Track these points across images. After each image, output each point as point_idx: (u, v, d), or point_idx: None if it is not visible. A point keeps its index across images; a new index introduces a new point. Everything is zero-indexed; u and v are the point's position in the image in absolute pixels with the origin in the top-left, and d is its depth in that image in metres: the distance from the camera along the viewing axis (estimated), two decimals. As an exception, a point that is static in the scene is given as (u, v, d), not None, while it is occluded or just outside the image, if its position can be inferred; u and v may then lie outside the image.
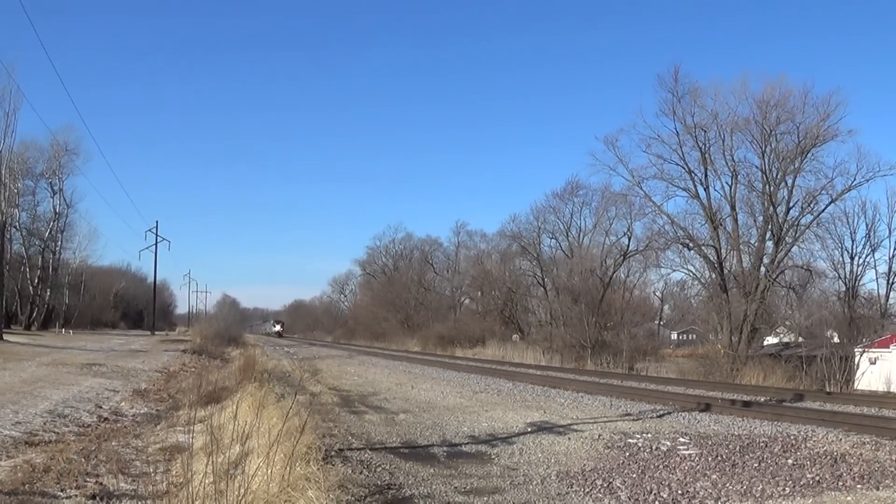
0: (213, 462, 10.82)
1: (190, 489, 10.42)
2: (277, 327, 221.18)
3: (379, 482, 13.86)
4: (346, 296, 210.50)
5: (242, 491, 10.34)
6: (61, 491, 12.35)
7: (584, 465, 15.95)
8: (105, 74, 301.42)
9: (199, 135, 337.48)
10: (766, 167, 66.18)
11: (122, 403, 25.52)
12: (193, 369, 41.27)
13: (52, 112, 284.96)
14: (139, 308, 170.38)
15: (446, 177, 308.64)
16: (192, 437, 14.39)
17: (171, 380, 35.20)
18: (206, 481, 10.50)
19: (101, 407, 24.05)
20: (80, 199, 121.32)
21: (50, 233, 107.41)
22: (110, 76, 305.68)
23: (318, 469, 12.06)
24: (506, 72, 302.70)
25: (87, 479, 13.22)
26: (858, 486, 14.12)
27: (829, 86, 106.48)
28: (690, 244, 69.15)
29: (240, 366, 33.97)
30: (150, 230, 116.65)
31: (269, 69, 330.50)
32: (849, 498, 13.04)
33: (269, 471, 10.99)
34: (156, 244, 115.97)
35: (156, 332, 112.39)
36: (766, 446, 18.61)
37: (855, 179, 65.27)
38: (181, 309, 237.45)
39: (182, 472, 12.52)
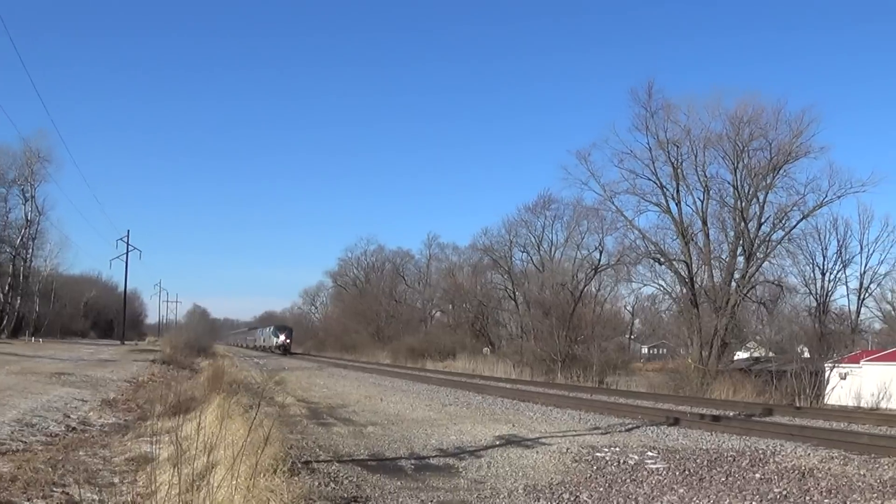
0: (178, 473, 10.76)
1: (155, 500, 10.36)
2: (281, 338, 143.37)
3: (345, 495, 13.78)
4: (316, 307, 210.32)
5: (208, 502, 10.28)
6: (28, 501, 12.23)
7: (552, 478, 15.92)
8: (77, 85, 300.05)
9: (171, 146, 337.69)
10: (738, 183, 66.47)
11: (91, 413, 25.34)
12: (162, 379, 41.05)
13: (25, 119, 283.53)
14: (109, 317, 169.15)
15: (418, 190, 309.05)
16: (159, 449, 14.31)
17: (139, 390, 35.00)
18: (172, 493, 10.44)
19: (69, 416, 23.88)
20: (52, 206, 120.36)
21: (21, 240, 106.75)
22: (83, 86, 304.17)
23: (284, 481, 12.01)
24: (479, 86, 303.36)
25: (54, 489, 13.11)
26: (826, 500, 14.12)
27: (803, 103, 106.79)
28: (661, 259, 69.32)
29: (208, 376, 33.85)
30: (121, 239, 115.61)
31: (240, 84, 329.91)
32: (815, 513, 13.03)
33: (234, 483, 10.93)
34: (126, 253, 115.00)
35: (125, 342, 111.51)
36: (734, 461, 18.62)
37: (827, 196, 65.66)
38: (151, 318, 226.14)
39: (148, 482, 12.44)
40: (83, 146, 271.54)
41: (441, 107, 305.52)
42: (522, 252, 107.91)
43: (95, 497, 12.78)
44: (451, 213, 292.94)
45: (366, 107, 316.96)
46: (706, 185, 67.83)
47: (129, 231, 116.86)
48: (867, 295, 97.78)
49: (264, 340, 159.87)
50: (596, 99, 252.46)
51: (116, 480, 14.12)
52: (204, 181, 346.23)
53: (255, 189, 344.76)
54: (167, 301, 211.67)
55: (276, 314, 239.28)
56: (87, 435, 20.79)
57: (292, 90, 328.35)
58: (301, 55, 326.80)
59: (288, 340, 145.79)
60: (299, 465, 15.56)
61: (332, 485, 14.52)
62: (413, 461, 18.01)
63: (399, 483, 15.16)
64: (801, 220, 67.10)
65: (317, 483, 14.36)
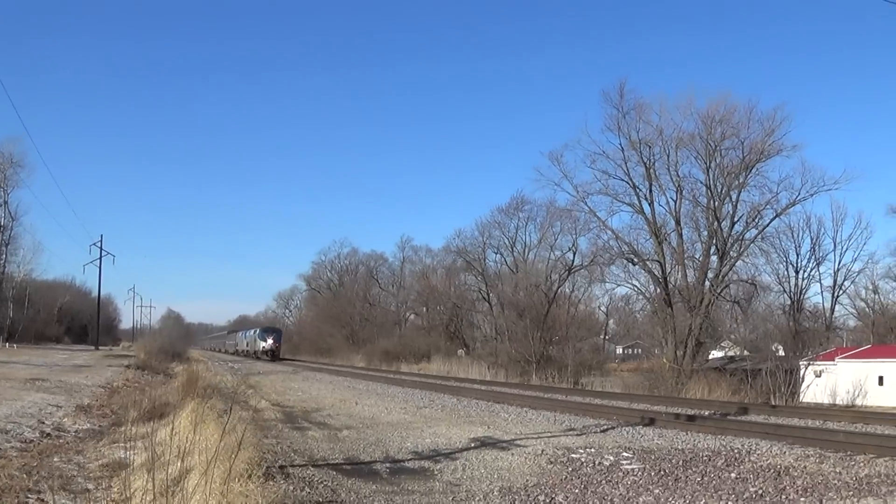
0: (153, 479, 10.69)
1: (130, 506, 10.30)
2: (269, 341, 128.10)
3: (320, 499, 13.73)
4: (290, 311, 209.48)
5: (182, 508, 10.22)
6: (2, 507, 12.17)
7: (527, 480, 15.89)
8: (50, 89, 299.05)
9: (143, 151, 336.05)
10: (711, 182, 66.57)
11: (65, 419, 25.22)
12: (137, 385, 40.93)
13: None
14: (83, 323, 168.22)
15: (392, 192, 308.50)
16: (133, 454, 14.22)
17: (114, 395, 34.85)
18: (147, 498, 10.38)
19: (43, 422, 23.74)
20: (25, 212, 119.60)
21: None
22: (55, 91, 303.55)
23: (258, 486, 11.94)
24: (452, 88, 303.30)
25: (29, 496, 13.04)
26: (802, 499, 14.12)
27: (775, 101, 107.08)
28: (635, 259, 69.39)
29: (182, 381, 33.73)
30: (94, 244, 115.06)
31: (211, 88, 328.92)
32: (792, 511, 13.03)
33: (208, 488, 10.86)
34: (100, 258, 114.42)
35: (100, 347, 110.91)
36: (710, 460, 18.63)
37: (799, 194, 65.85)
38: (126, 324, 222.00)
39: (123, 489, 12.37)
40: (56, 151, 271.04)
41: (414, 109, 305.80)
42: (496, 253, 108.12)
43: (71, 503, 12.71)
44: (425, 216, 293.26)
45: (339, 109, 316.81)
46: (679, 185, 67.90)
47: (102, 236, 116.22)
48: (841, 292, 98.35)
49: (248, 345, 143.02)
50: (569, 100, 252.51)
51: (91, 487, 14.05)
52: (176, 185, 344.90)
53: (228, 192, 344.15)
54: (141, 306, 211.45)
55: (249, 318, 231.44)
56: (61, 441, 20.68)
57: (264, 93, 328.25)
58: (275, 58, 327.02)
59: (277, 344, 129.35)
60: (274, 470, 15.46)
61: (308, 489, 14.45)
62: (388, 464, 17.96)
63: (374, 487, 15.11)
64: (774, 218, 67.36)
65: (292, 488, 14.27)
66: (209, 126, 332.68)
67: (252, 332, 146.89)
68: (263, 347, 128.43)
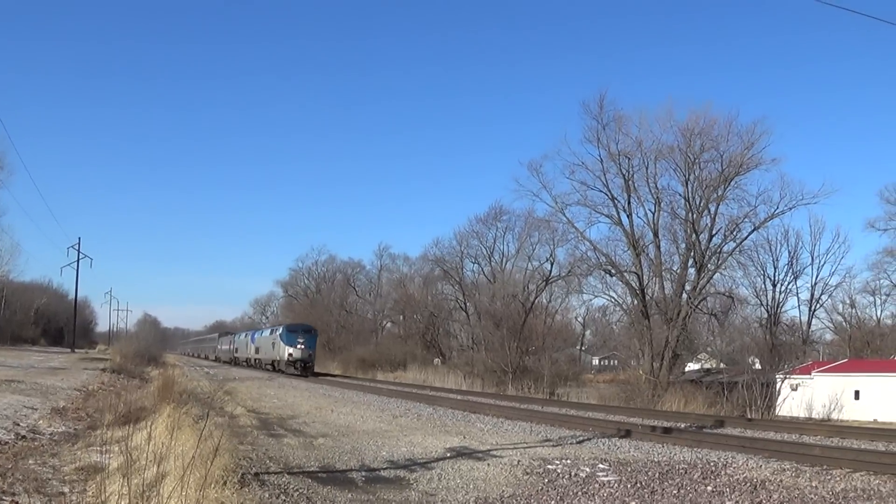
0: (128, 484, 10.63)
1: (105, 511, 10.24)
2: (299, 347, 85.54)
3: (295, 507, 13.64)
4: (267, 317, 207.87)
5: (158, 514, 10.17)
6: (-24, 510, 12.09)
7: (503, 491, 15.86)
8: (29, 91, 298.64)
9: (122, 155, 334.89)
10: (690, 195, 66.74)
11: (41, 421, 25.11)
12: (112, 388, 40.78)
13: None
14: (60, 325, 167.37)
15: (370, 200, 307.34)
16: (109, 458, 14.15)
17: (89, 398, 34.72)
18: (121, 503, 10.30)
19: (18, 424, 23.63)
20: (3, 213, 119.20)
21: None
22: (34, 92, 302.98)
23: (234, 493, 11.92)
24: (431, 97, 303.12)
25: (3, 498, 12.97)
26: (778, 514, 14.10)
27: (755, 115, 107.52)
28: (612, 270, 69.50)
29: (158, 386, 33.59)
30: (72, 247, 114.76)
31: (194, 95, 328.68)
32: (768, 526, 13.01)
33: (184, 494, 10.80)
34: (77, 261, 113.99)
35: (76, 350, 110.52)
36: (686, 473, 18.62)
37: (778, 207, 66.15)
38: (102, 327, 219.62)
39: (98, 493, 12.30)
40: (35, 153, 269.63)
41: (393, 117, 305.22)
42: (474, 263, 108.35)
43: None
44: (403, 224, 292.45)
45: (318, 116, 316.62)
46: (657, 197, 68.06)
47: (80, 239, 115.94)
48: (818, 306, 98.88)
49: (258, 351, 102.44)
50: (548, 111, 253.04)
51: (66, 490, 13.99)
52: (154, 190, 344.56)
53: (206, 198, 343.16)
54: (118, 309, 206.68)
55: (226, 323, 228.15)
56: (36, 444, 20.59)
57: (244, 99, 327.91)
58: (254, 64, 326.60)
59: (311, 352, 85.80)
60: (249, 477, 15.40)
61: (283, 497, 14.37)
62: (364, 473, 17.89)
63: (350, 495, 15.05)
64: (753, 231, 67.61)
65: (267, 495, 14.20)
66: (188, 132, 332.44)
67: (268, 332, 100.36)
68: (290, 356, 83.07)
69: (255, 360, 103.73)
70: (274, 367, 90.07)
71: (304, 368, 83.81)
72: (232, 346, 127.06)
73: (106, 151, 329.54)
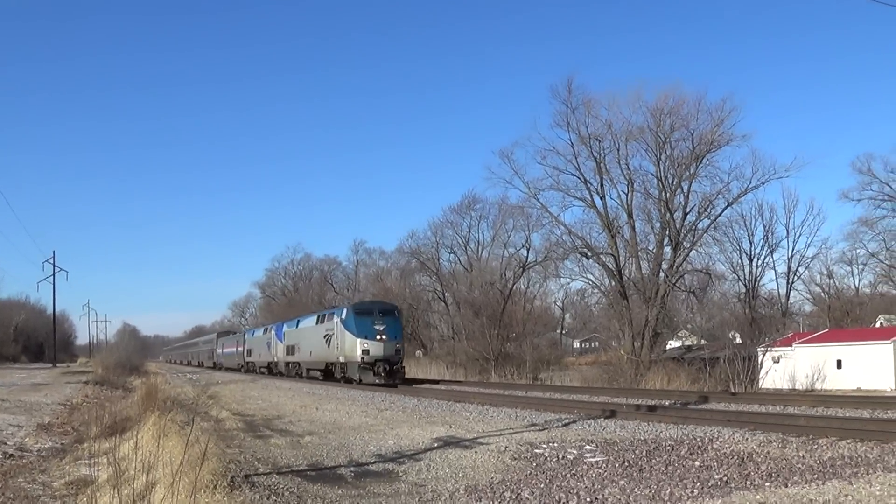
0: (118, 495, 10.63)
1: (98, 523, 10.24)
2: (378, 339, 55.31)
3: (286, 506, 13.64)
4: (246, 319, 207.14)
5: (150, 523, 10.19)
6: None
7: (492, 477, 15.86)
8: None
9: (93, 168, 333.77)
10: (662, 174, 67.08)
11: (27, 438, 25.03)
12: (96, 401, 40.68)
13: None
14: (40, 340, 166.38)
15: (343, 196, 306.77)
16: (97, 471, 14.15)
17: (74, 412, 34.63)
18: (114, 514, 10.31)
19: (5, 443, 23.55)
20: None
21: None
22: (2, 108, 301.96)
23: (224, 496, 11.93)
24: (400, 88, 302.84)
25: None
26: (767, 484, 14.15)
27: (724, 92, 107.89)
28: (589, 253, 69.75)
29: (142, 395, 33.52)
30: (47, 261, 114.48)
31: (159, 101, 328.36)
32: (758, 496, 13.05)
33: (175, 500, 10.81)
34: (53, 275, 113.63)
35: (57, 365, 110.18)
36: (673, 449, 18.69)
37: (751, 182, 66.83)
38: (82, 339, 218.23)
39: (89, 506, 12.31)
40: (4, 168, 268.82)
41: (362, 111, 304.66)
42: (450, 253, 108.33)
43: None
44: (378, 218, 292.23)
45: (288, 114, 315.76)
46: (630, 178, 68.37)
47: (54, 252, 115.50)
48: (796, 278, 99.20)
49: (292, 352, 75.09)
50: (518, 98, 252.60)
51: (57, 505, 13.96)
52: (126, 199, 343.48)
53: (178, 204, 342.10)
54: (96, 321, 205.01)
55: (205, 328, 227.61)
56: (24, 461, 20.53)
57: (213, 104, 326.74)
58: (221, 68, 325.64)
59: (398, 344, 57.53)
60: (239, 480, 15.37)
61: (273, 497, 14.34)
62: (352, 468, 17.87)
63: (340, 491, 15.03)
64: (726, 207, 68.23)
65: (257, 496, 14.17)
66: (157, 139, 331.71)
67: (312, 320, 70.10)
68: (365, 354, 55.19)
69: (289, 364, 75.73)
70: (327, 373, 63.10)
71: (389, 373, 54.21)
72: (240, 349, 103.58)
73: (75, 164, 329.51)
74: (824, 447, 18.11)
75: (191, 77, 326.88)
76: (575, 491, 14.15)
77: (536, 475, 15.98)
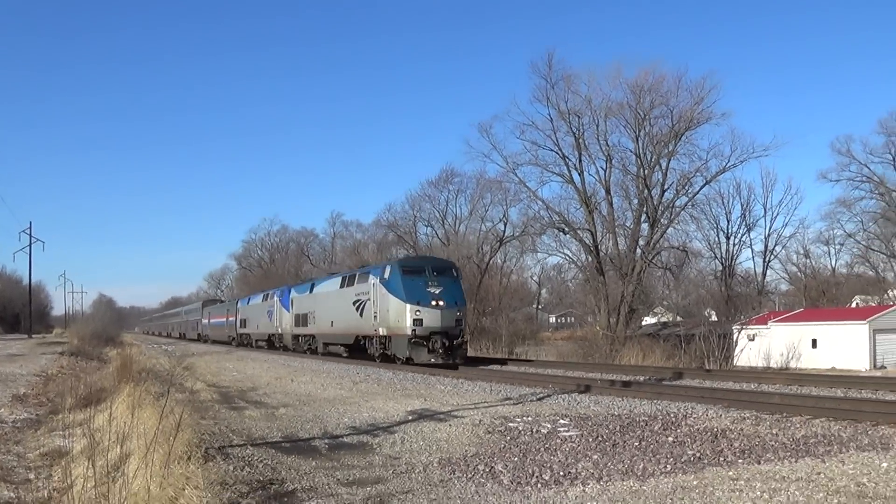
0: (93, 466, 10.60)
1: (72, 494, 10.21)
2: (433, 306, 42.66)
3: (261, 478, 13.62)
4: (222, 290, 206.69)
5: (124, 493, 10.14)
6: (-57, 502, 12.02)
7: (466, 450, 15.89)
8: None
9: (71, 139, 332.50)
10: (641, 151, 67.35)
11: (2, 409, 24.87)
12: (72, 372, 40.52)
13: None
14: (16, 311, 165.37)
15: (321, 168, 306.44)
16: (72, 442, 14.13)
17: (49, 383, 34.48)
18: (88, 486, 10.29)
19: (-21, 414, 23.53)
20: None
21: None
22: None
23: (198, 468, 11.91)
24: (380, 62, 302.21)
25: (-30, 490, 12.89)
26: (740, 460, 14.22)
27: (704, 70, 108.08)
28: (566, 228, 69.98)
29: (117, 366, 33.44)
30: (23, 231, 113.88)
31: (137, 75, 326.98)
32: (730, 473, 13.11)
33: (149, 472, 10.80)
34: (30, 245, 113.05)
35: (33, 335, 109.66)
36: (647, 425, 18.75)
37: (729, 161, 67.28)
38: (58, 310, 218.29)
39: (64, 477, 12.28)
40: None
41: (341, 83, 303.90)
42: (427, 226, 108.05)
43: (12, 494, 12.57)
44: (355, 191, 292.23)
45: (266, 87, 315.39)
46: (608, 154, 68.53)
47: (31, 223, 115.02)
48: (772, 257, 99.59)
49: (305, 322, 62.46)
50: (498, 72, 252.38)
51: (32, 476, 13.91)
52: (104, 171, 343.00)
53: (155, 174, 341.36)
54: (73, 292, 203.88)
55: (181, 299, 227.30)
56: None
57: (189, 76, 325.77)
58: (197, 41, 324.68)
59: (459, 312, 44.23)
60: (213, 451, 15.40)
61: (248, 469, 14.35)
62: (327, 441, 17.87)
63: (314, 463, 15.03)
64: (704, 185, 68.54)
65: (232, 468, 14.19)
66: (134, 111, 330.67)
67: (336, 282, 57.37)
68: (417, 325, 42.68)
69: (299, 337, 64.25)
70: (356, 348, 51.48)
71: (448, 350, 42.41)
72: (232, 319, 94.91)
73: (52, 137, 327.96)
74: (798, 425, 18.19)
75: (170, 50, 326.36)
76: (548, 465, 14.18)
77: (510, 448, 16.01)
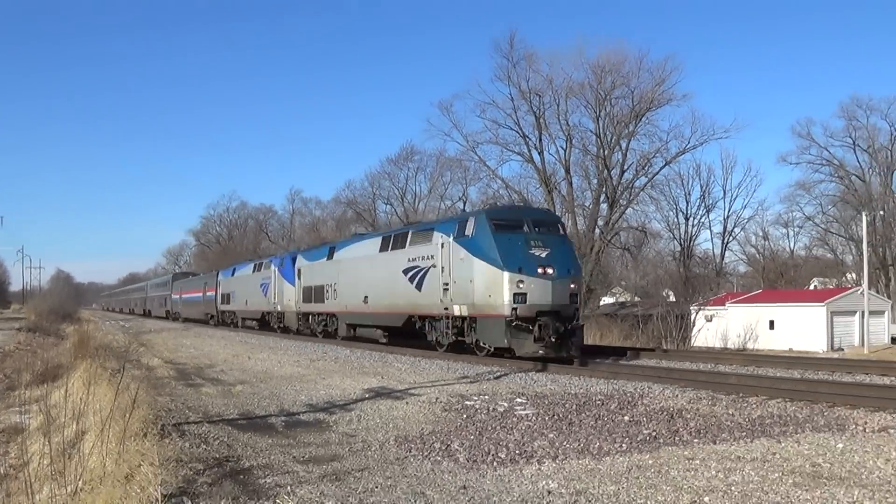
0: (49, 443, 10.57)
1: (28, 471, 10.18)
2: (539, 273, 30.16)
3: (217, 455, 13.56)
4: (180, 267, 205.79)
5: (80, 470, 10.12)
6: None
7: (423, 428, 15.88)
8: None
9: (27, 114, 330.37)
10: (601, 131, 67.66)
11: (-42, 387, 24.89)
12: (29, 347, 40.43)
13: None
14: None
15: (280, 144, 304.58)
16: (28, 418, 14.09)
17: (6, 359, 34.43)
18: (44, 462, 10.27)
19: (-63, 390, 23.44)
20: None
21: None
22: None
23: (154, 444, 11.87)
24: (340, 37, 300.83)
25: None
26: (695, 440, 14.28)
27: (666, 51, 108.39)
28: (525, 208, 69.82)
29: (74, 342, 33.36)
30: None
31: (93, 51, 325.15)
32: (686, 452, 13.17)
33: (105, 448, 10.77)
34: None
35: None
36: (603, 404, 18.80)
37: (689, 142, 67.86)
38: (16, 286, 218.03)
39: (20, 453, 12.24)
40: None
41: (302, 59, 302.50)
42: (386, 204, 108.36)
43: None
44: (315, 167, 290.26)
45: (226, 61, 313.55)
46: (569, 134, 68.81)
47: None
48: (731, 239, 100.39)
49: (324, 295, 48.49)
50: (460, 50, 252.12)
51: (-12, 454, 13.86)
52: (62, 145, 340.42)
53: (115, 150, 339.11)
54: (31, 267, 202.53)
55: (139, 275, 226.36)
56: (-44, 410, 20.40)
57: (145, 50, 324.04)
58: (155, 13, 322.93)
59: (575, 282, 31.79)
60: (169, 428, 15.32)
61: (203, 445, 14.30)
62: (283, 418, 17.85)
63: (270, 440, 15.01)
64: (664, 166, 68.96)
65: (187, 444, 14.12)
66: (92, 85, 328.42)
67: (375, 241, 43.02)
68: (521, 303, 29.88)
69: (311, 316, 52.29)
70: (406, 333, 39.50)
71: (561, 338, 30.59)
72: (210, 294, 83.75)
73: (8, 112, 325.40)
74: (754, 406, 18.32)
75: (126, 24, 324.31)
76: (504, 443, 14.20)
77: (466, 427, 16.02)
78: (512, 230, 31.37)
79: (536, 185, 70.06)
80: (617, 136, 66.94)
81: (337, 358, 34.35)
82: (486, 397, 20.33)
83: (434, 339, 35.83)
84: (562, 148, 69.26)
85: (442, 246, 34.02)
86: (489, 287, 30.52)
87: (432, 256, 34.87)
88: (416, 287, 36.29)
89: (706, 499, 10.30)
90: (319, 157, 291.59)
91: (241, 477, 11.97)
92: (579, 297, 32.77)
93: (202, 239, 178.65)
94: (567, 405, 18.69)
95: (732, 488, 10.78)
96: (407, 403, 19.53)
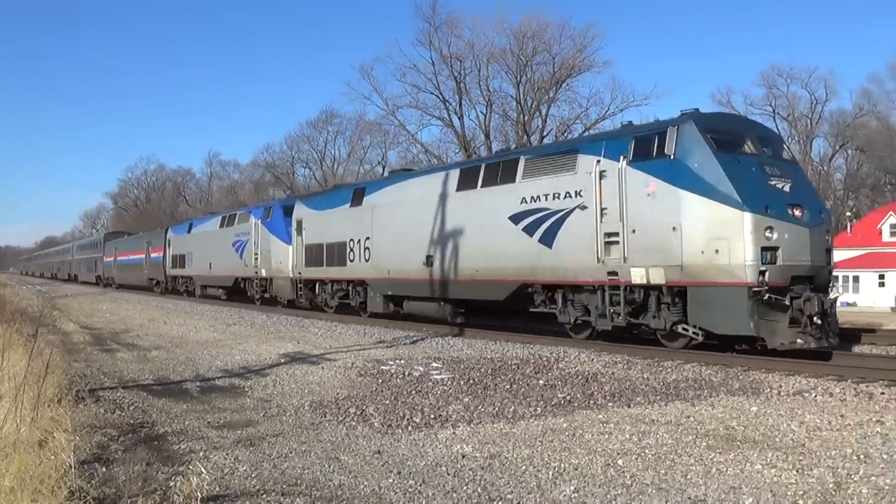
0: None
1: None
2: (793, 224, 19.52)
3: (132, 421, 13.54)
4: (97, 230, 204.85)
5: (-7, 437, 10.06)
6: None
7: (338, 393, 15.93)
8: None
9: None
10: (521, 97, 68.02)
11: None
12: (-61, 312, 39.98)
13: None
14: None
15: (199, 106, 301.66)
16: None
17: (-85, 324, 34.01)
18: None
19: None
20: None
21: None
22: None
23: (68, 410, 11.82)
24: (258, 3, 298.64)
25: None
26: (610, 404, 14.42)
27: (588, 19, 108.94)
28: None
29: (-14, 307, 33.05)
30: None
31: (8, 15, 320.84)
32: (600, 416, 13.30)
33: (19, 415, 10.70)
34: None
35: None
36: (518, 368, 18.89)
37: (609, 109, 68.21)
38: None
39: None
40: None
41: (219, 21, 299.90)
42: (305, 168, 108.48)
43: None
44: (233, 130, 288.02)
45: (144, 25, 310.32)
46: (489, 100, 69.17)
47: None
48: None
49: (350, 252, 35.52)
50: (380, 13, 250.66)
51: None
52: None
53: (32, 111, 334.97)
54: None
55: (56, 239, 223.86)
56: None
57: (64, 15, 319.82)
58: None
59: (828, 240, 21.15)
60: (84, 394, 15.24)
61: (118, 411, 14.26)
62: (199, 383, 17.84)
63: (185, 406, 15.00)
64: (584, 132, 68.87)
65: (102, 410, 14.10)
66: (7, 49, 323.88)
67: (449, 174, 29.78)
68: (772, 261, 19.13)
69: (324, 284, 39.64)
70: (515, 308, 29.08)
71: (823, 318, 19.37)
72: (158, 255, 68.57)
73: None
74: (669, 370, 18.45)
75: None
76: (419, 408, 14.26)
77: (382, 391, 16.07)
78: (735, 149, 21.14)
79: (456, 149, 70.55)
80: (537, 102, 67.39)
81: (253, 323, 34.34)
82: (402, 362, 20.37)
83: (572, 319, 24.65)
84: (482, 113, 69.79)
85: (601, 175, 22.62)
86: (714, 237, 19.88)
87: (579, 193, 23.46)
88: (539, 240, 24.94)
89: (620, 461, 10.41)
90: (238, 120, 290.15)
91: (156, 443, 11.96)
92: (831, 256, 21.81)
93: (120, 202, 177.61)
94: (483, 369, 18.78)
95: (646, 451, 10.91)
96: (322, 368, 19.57)
